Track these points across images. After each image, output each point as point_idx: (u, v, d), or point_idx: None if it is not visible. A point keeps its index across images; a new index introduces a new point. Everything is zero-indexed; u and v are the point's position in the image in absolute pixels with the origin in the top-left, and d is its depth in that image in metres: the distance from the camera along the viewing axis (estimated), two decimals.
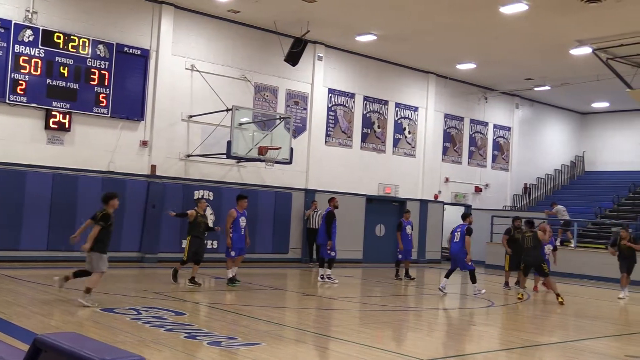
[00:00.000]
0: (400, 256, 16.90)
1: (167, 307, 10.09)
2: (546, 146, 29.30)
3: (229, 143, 16.68)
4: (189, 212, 13.26)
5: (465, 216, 15.08)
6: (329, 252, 15.07)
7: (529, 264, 14.19)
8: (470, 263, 14.09)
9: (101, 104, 16.50)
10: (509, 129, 27.31)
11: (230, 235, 13.31)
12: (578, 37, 18.49)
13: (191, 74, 18.19)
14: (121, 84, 16.92)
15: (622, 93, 21.09)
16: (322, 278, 15.04)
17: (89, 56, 16.33)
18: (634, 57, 18.86)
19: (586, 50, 19.10)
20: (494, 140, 26.72)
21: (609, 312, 13.76)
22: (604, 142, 30.41)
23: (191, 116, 18.10)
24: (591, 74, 21.62)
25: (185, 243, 13.24)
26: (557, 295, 13.59)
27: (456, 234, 14.36)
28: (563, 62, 21.09)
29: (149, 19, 17.46)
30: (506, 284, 16.31)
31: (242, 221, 13.47)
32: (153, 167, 17.45)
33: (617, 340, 9.95)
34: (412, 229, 17.17)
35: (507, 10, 16.29)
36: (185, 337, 7.89)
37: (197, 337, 7.90)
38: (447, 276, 14.36)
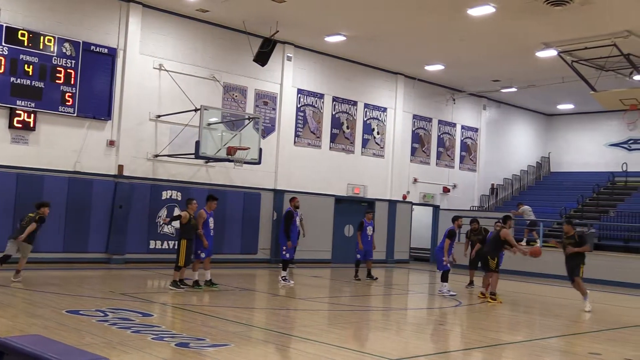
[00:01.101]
0: (358, 256, 16.89)
1: (135, 308, 10.00)
2: (513, 147, 29.67)
3: (198, 143, 16.58)
4: (182, 213, 12.93)
5: (454, 219, 15.43)
6: (283, 252, 14.92)
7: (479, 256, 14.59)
8: (446, 264, 14.40)
9: (67, 103, 16.27)
10: (476, 130, 27.59)
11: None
12: (544, 40, 18.76)
13: (159, 74, 18.04)
14: (88, 83, 16.70)
15: (587, 95, 21.45)
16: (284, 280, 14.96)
17: (55, 54, 16.08)
18: (598, 60, 19.19)
19: (552, 52, 19.38)
20: (461, 141, 26.98)
21: (573, 311, 13.97)
22: (568, 143, 30.89)
23: (159, 116, 17.95)
24: (556, 76, 21.95)
25: (182, 246, 12.65)
26: (492, 294, 13.81)
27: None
28: (529, 65, 21.37)
29: (116, 17, 17.27)
30: (471, 282, 16.51)
31: (211, 222, 13.38)
32: (120, 167, 17.26)
33: (580, 338, 10.12)
34: (373, 230, 17.06)
35: (474, 12, 16.46)
36: (152, 338, 7.83)
37: (165, 339, 7.85)
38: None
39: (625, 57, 18.32)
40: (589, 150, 30.08)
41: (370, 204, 23.08)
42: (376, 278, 16.83)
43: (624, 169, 27.02)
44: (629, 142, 28.91)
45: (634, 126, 24.00)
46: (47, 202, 13.22)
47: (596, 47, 18.23)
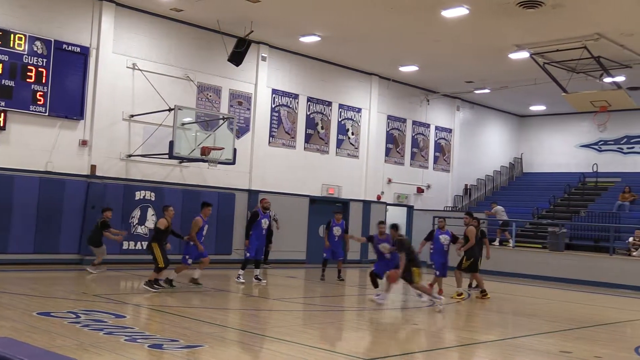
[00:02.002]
0: (325, 255, 16.82)
1: (107, 310, 9.91)
2: (486, 148, 29.93)
3: (172, 143, 16.47)
4: (160, 224, 12.84)
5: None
6: (245, 252, 14.85)
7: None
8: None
9: (38, 102, 16.06)
10: (450, 130, 27.79)
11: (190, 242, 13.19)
12: (516, 42, 18.95)
13: (133, 73, 17.89)
14: (60, 82, 16.51)
15: (558, 97, 21.70)
16: (255, 279, 14.84)
17: (26, 53, 15.87)
18: (569, 62, 19.44)
19: (524, 54, 19.58)
20: (435, 141, 27.14)
21: (545, 310, 14.15)
22: (541, 144, 31.24)
23: (132, 115, 17.80)
24: (529, 78, 22.18)
25: (155, 249, 12.53)
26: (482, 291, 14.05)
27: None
28: (502, 66, 21.57)
29: (89, 15, 17.09)
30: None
31: (205, 228, 13.49)
32: (93, 167, 17.09)
33: (552, 337, 10.24)
34: (341, 231, 16.85)
35: (448, 14, 16.57)
36: (125, 340, 7.76)
37: (138, 340, 7.78)
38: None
39: (596, 60, 18.58)
40: (560, 151, 30.45)
41: (344, 204, 23.12)
42: (342, 279, 16.62)
43: (595, 169, 27.40)
44: (599, 143, 29.33)
45: (604, 127, 24.34)
46: (110, 208, 15.29)
47: (567, 49, 18.47)
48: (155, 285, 12.50)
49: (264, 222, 14.92)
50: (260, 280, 14.83)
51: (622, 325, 12.19)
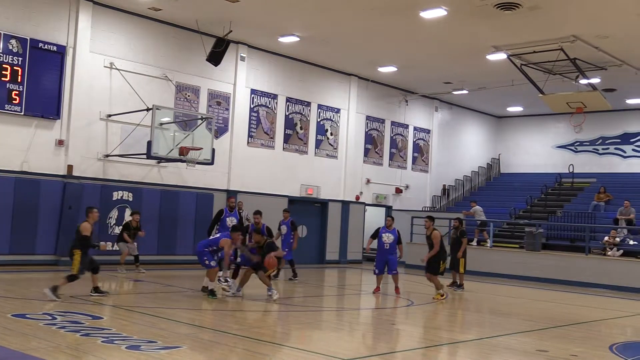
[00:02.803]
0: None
1: (84, 311, 9.83)
2: (464, 148, 30.12)
3: (150, 143, 16.38)
4: (87, 229, 11.72)
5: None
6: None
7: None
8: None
9: (14, 102, 15.88)
10: (428, 131, 27.93)
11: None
12: (494, 43, 19.10)
13: (110, 72, 17.75)
14: (36, 80, 16.34)
15: (535, 98, 21.91)
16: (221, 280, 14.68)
17: (1, 51, 15.68)
18: (546, 63, 19.63)
19: (501, 56, 19.74)
20: (414, 142, 27.26)
21: (522, 309, 14.27)
22: (518, 145, 31.51)
23: (110, 115, 17.67)
24: (506, 79, 22.36)
25: (76, 256, 11.39)
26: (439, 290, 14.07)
27: None
28: (480, 67, 21.73)
29: (65, 14, 16.92)
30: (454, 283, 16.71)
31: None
32: (70, 167, 16.93)
33: (528, 336, 10.33)
34: (287, 230, 16.62)
35: (427, 15, 16.65)
36: (102, 341, 7.70)
37: (115, 342, 7.72)
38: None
39: (572, 62, 18.79)
40: (537, 151, 30.74)
41: (323, 204, 23.17)
42: (295, 279, 16.39)
43: (571, 170, 27.69)
44: (575, 144, 29.65)
45: (580, 128, 24.63)
46: (136, 211, 16.53)
47: (544, 51, 18.65)
48: (94, 293, 11.62)
49: (230, 221, 14.69)
50: (227, 281, 14.57)
51: (597, 324, 12.34)
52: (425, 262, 14.16)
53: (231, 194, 20.13)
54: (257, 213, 14.68)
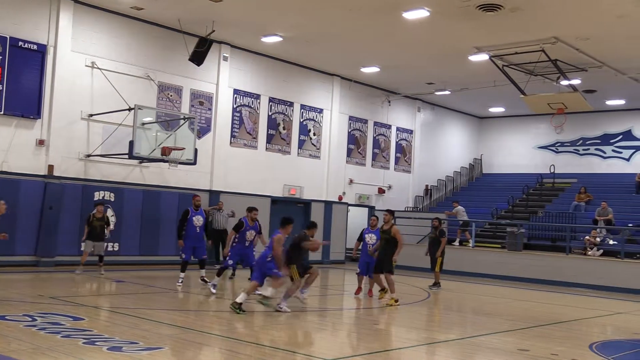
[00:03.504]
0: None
1: (65, 312, 9.75)
2: (446, 149, 30.24)
3: (131, 143, 16.28)
4: None
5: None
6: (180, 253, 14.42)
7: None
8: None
9: None
10: (411, 131, 28.01)
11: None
12: (476, 44, 19.19)
13: (92, 72, 17.62)
14: (16, 79, 16.16)
15: (517, 99, 22.05)
16: (201, 280, 14.44)
17: None
18: (527, 64, 19.77)
19: (484, 57, 19.85)
20: (396, 142, 27.33)
21: (504, 309, 14.36)
22: (499, 146, 31.70)
23: (91, 115, 17.53)
24: (488, 80, 22.48)
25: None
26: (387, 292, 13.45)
27: None
28: (462, 68, 21.83)
29: (46, 12, 16.77)
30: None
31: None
32: (50, 167, 16.78)
33: (510, 335, 10.40)
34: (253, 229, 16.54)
35: (409, 16, 16.70)
36: (83, 343, 7.64)
37: (97, 343, 7.67)
38: None
39: (553, 63, 18.93)
40: (519, 152, 30.94)
41: (306, 204, 23.16)
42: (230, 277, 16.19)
43: (552, 170, 27.92)
44: (556, 145, 29.89)
45: (560, 129, 24.82)
46: (100, 202, 16.01)
47: (525, 52, 18.78)
48: None
49: (196, 220, 14.41)
50: (206, 282, 14.35)
51: (578, 323, 12.45)
52: (394, 260, 13.23)
53: (214, 194, 20.08)
54: (253, 209, 14.30)
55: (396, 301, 13.04)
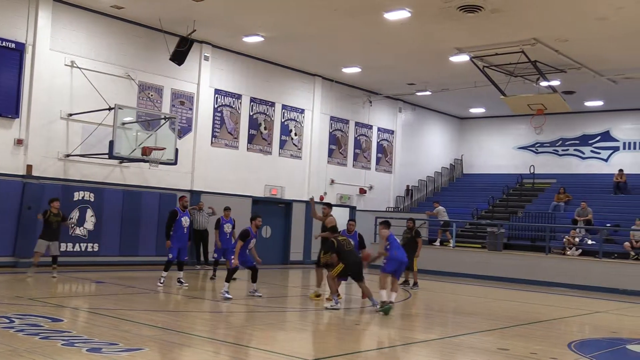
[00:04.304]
0: (215, 255, 16.39)
1: (43, 313, 9.65)
2: (427, 149, 30.36)
3: (112, 143, 16.16)
4: None
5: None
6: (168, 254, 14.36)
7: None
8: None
9: None
10: (392, 132, 28.09)
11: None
12: (457, 45, 19.29)
13: (71, 71, 17.47)
14: None
15: (497, 100, 22.21)
16: (178, 282, 14.38)
17: None
18: (507, 66, 19.91)
19: (464, 58, 19.95)
20: (378, 143, 27.40)
21: (484, 308, 14.44)
22: (480, 146, 31.89)
23: (71, 114, 17.38)
24: (469, 81, 22.62)
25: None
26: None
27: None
28: (443, 69, 21.93)
29: (24, 10, 16.60)
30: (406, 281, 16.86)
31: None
32: (29, 167, 16.61)
33: (490, 335, 10.47)
34: (232, 228, 16.28)
35: (390, 16, 16.75)
36: (62, 344, 7.57)
37: (76, 344, 7.60)
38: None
39: (533, 64, 19.08)
40: (499, 153, 31.15)
41: (287, 205, 23.15)
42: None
43: (532, 171, 28.13)
44: (536, 146, 30.14)
45: (540, 130, 25.03)
46: (56, 198, 14.94)
47: (506, 53, 18.92)
48: None
49: (184, 221, 14.46)
50: (182, 283, 14.35)
51: (557, 322, 12.55)
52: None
53: (195, 194, 20.00)
54: (258, 216, 14.28)
55: (317, 296, 13.38)
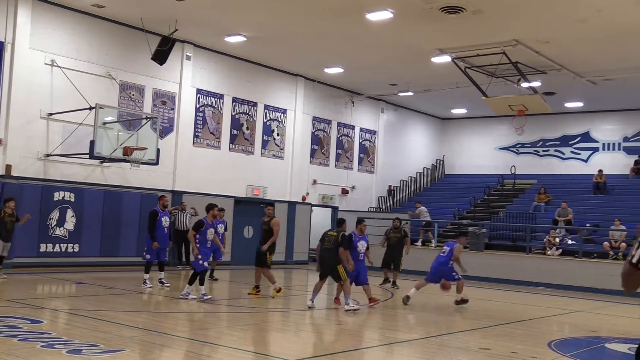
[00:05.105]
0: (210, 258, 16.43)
1: (23, 315, 9.55)
2: (409, 150, 30.46)
3: (92, 143, 16.04)
4: None
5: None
6: (144, 254, 14.27)
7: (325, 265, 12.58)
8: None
9: None
10: (374, 132, 28.15)
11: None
12: (439, 46, 19.37)
13: (51, 70, 17.31)
14: None
15: (479, 100, 22.33)
16: (159, 282, 14.25)
17: None
18: (489, 67, 20.02)
19: (446, 58, 20.04)
20: (360, 143, 27.44)
21: (466, 308, 14.50)
22: (462, 147, 32.05)
23: (51, 114, 17.22)
24: (451, 82, 22.72)
25: None
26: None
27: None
28: (425, 69, 22.01)
29: (3, 8, 16.41)
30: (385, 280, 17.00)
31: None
32: (8, 167, 16.43)
33: (472, 334, 10.52)
34: (225, 229, 16.16)
35: (373, 17, 16.78)
36: (42, 346, 7.50)
37: (55, 346, 7.54)
38: None
39: (514, 65, 19.20)
40: (480, 153, 31.31)
41: (270, 205, 23.06)
42: (216, 279, 16.23)
43: (513, 171, 28.31)
44: (517, 146, 30.34)
45: (521, 131, 25.18)
46: (11, 197, 14.59)
47: (487, 54, 19.02)
48: None
49: (164, 221, 14.32)
50: (163, 283, 14.27)
51: (537, 322, 12.65)
52: (264, 250, 13.56)
53: (176, 194, 19.91)
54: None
55: (278, 291, 13.63)
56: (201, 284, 12.62)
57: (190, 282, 12.57)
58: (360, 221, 13.29)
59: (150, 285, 14.03)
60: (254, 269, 14.29)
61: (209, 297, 12.60)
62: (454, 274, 13.81)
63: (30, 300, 11.34)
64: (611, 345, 10.19)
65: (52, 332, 8.47)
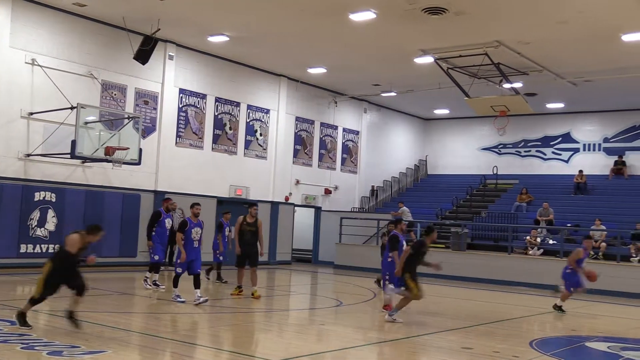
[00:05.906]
0: (221, 258, 16.35)
1: (2, 316, 9.45)
2: (392, 150, 30.52)
3: (74, 142, 15.92)
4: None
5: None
6: (151, 255, 14.28)
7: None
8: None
9: None
10: (357, 132, 28.19)
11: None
12: (422, 47, 19.44)
13: (32, 69, 17.15)
14: None
15: (461, 101, 22.43)
16: (154, 284, 14.19)
17: None
18: (471, 67, 20.12)
19: (429, 59, 20.11)
20: (343, 143, 27.46)
21: (448, 308, 14.58)
22: (444, 147, 32.17)
23: (32, 113, 17.07)
24: (433, 82, 22.81)
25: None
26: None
27: None
28: (408, 70, 22.07)
29: None
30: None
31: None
32: None
33: (454, 334, 10.56)
34: (230, 231, 16.29)
35: (356, 17, 16.80)
36: (22, 348, 7.44)
37: (36, 348, 7.47)
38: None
39: (496, 66, 19.32)
40: (463, 153, 31.46)
41: (254, 205, 23.00)
42: (226, 281, 16.33)
43: (495, 172, 28.48)
44: (499, 147, 30.51)
45: (503, 131, 25.27)
46: None
47: (470, 55, 19.12)
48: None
49: (167, 223, 14.43)
50: (158, 285, 14.22)
51: (519, 321, 12.73)
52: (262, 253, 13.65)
53: (158, 194, 19.80)
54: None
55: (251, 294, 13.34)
56: (175, 285, 12.39)
57: (175, 284, 12.48)
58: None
59: (158, 286, 13.97)
60: (235, 269, 14.23)
61: (184, 300, 12.34)
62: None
63: (10, 302, 11.23)
64: (591, 344, 10.28)
65: (32, 333, 8.40)
